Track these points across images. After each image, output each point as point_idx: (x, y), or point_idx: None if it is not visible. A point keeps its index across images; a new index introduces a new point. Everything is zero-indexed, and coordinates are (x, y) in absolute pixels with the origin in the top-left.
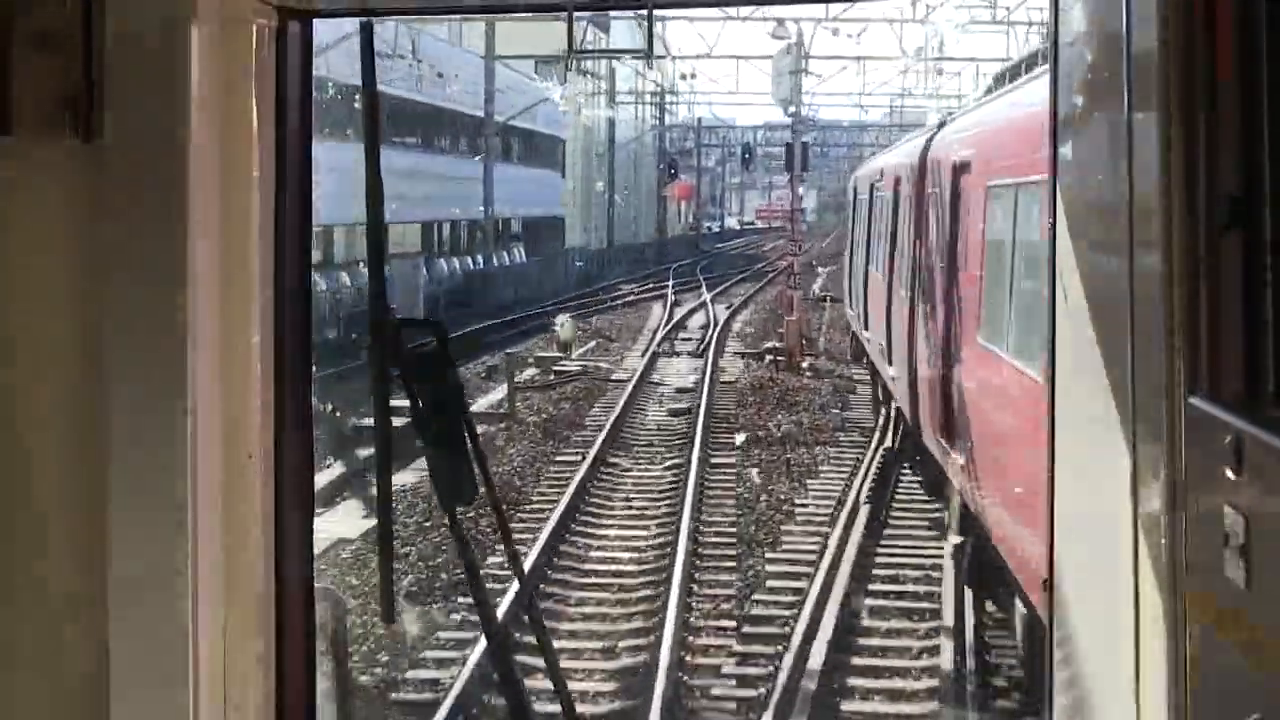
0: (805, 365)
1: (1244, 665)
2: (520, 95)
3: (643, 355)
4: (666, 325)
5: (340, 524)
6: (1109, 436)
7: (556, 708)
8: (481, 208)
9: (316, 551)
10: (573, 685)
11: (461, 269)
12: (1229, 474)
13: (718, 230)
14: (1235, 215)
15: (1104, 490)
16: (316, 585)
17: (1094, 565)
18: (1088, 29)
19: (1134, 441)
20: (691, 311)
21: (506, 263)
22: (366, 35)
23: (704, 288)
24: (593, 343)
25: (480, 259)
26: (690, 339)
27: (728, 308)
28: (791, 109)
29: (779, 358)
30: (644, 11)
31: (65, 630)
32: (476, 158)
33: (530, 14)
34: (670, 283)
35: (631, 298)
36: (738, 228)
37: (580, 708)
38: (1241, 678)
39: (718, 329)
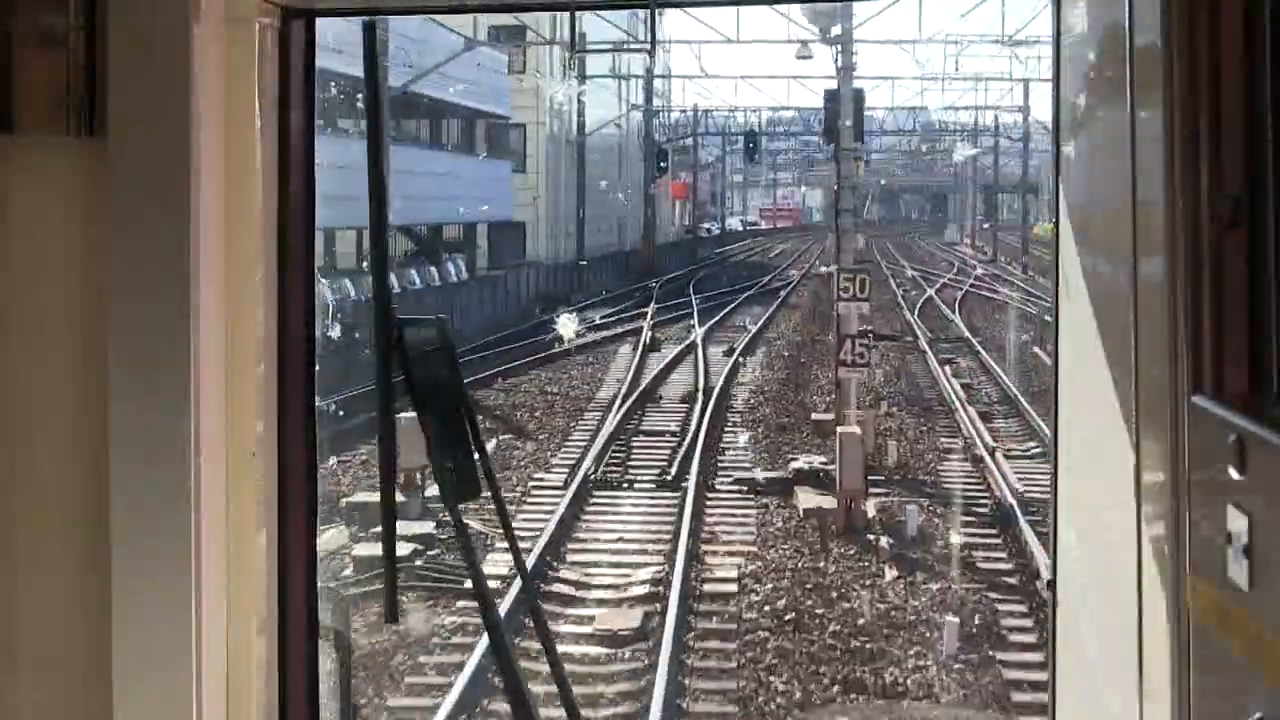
0: (873, 519)
1: (1247, 663)
2: (443, 55)
3: (564, 486)
4: (622, 404)
5: None
6: (1113, 435)
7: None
8: (401, 208)
9: None
10: None
11: (356, 294)
12: (1232, 473)
13: (718, 233)
14: (1238, 213)
15: (1108, 488)
16: (319, 584)
17: (1098, 563)
18: (1090, 27)
19: (1137, 440)
20: (672, 364)
21: (432, 284)
22: (369, 35)
23: (695, 317)
24: (490, 442)
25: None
26: (662, 433)
27: (727, 352)
28: (835, 30)
29: (823, 508)
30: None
31: (67, 629)
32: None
33: (533, 10)
34: (651, 308)
35: (588, 337)
36: (740, 229)
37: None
38: (1244, 675)
39: (710, 404)
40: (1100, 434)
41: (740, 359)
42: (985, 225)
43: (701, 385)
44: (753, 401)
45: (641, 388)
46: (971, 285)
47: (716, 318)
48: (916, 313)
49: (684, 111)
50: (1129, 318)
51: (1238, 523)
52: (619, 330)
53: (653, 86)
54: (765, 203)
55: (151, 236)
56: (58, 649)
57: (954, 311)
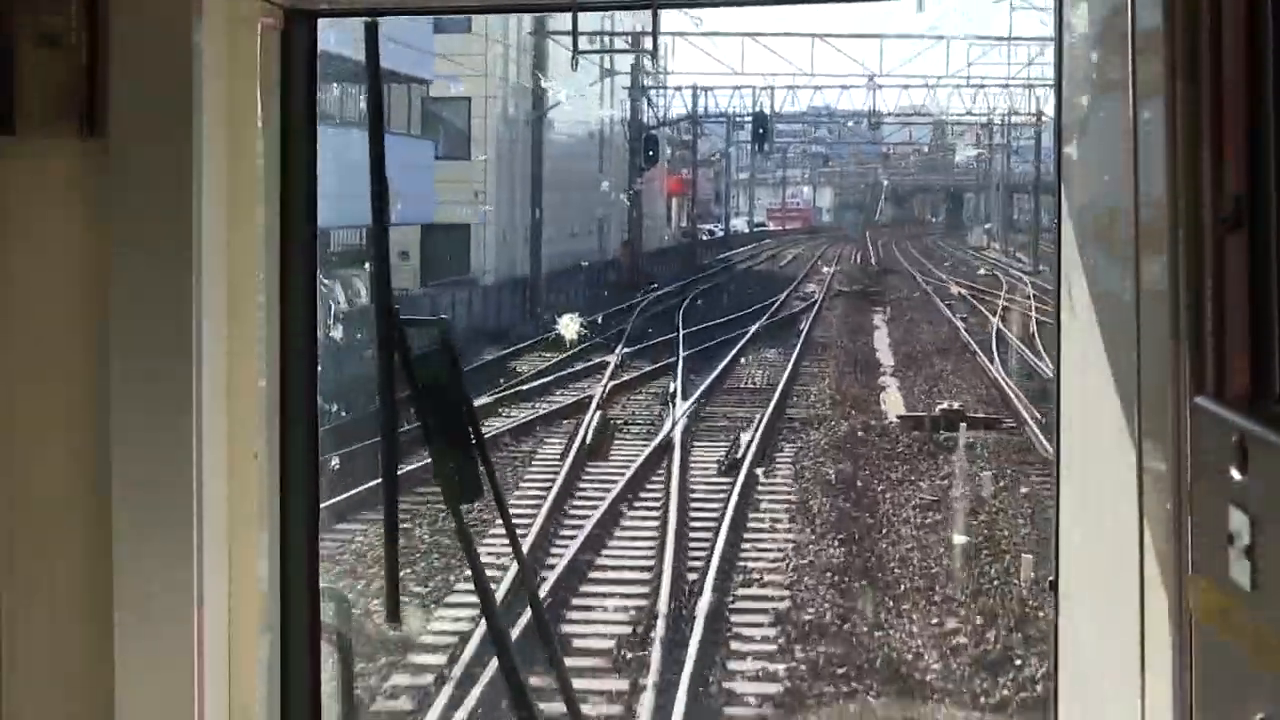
0: None
1: (1249, 664)
2: None
3: None
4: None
5: None
6: (1115, 436)
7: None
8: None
9: None
10: None
11: None
12: (1234, 474)
13: (721, 235)
14: (1240, 214)
15: (1110, 489)
16: (321, 584)
17: (1100, 564)
18: (1092, 28)
19: (1140, 441)
20: (618, 505)
21: None
22: (371, 35)
23: (679, 374)
24: None
25: None
26: None
27: (727, 464)
28: None
29: None
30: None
31: (70, 629)
32: None
33: (533, 11)
34: (616, 354)
35: (495, 419)
36: (746, 231)
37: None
38: (1247, 677)
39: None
40: (1103, 434)
41: (750, 487)
42: (1013, 228)
43: (666, 598)
44: (788, 686)
45: (523, 618)
46: (1039, 312)
47: (713, 373)
48: (995, 357)
49: (679, 89)
50: (1131, 318)
51: (1240, 523)
52: (553, 400)
53: (641, 54)
54: (773, 202)
55: (153, 237)
56: (60, 650)
57: (1040, 357)
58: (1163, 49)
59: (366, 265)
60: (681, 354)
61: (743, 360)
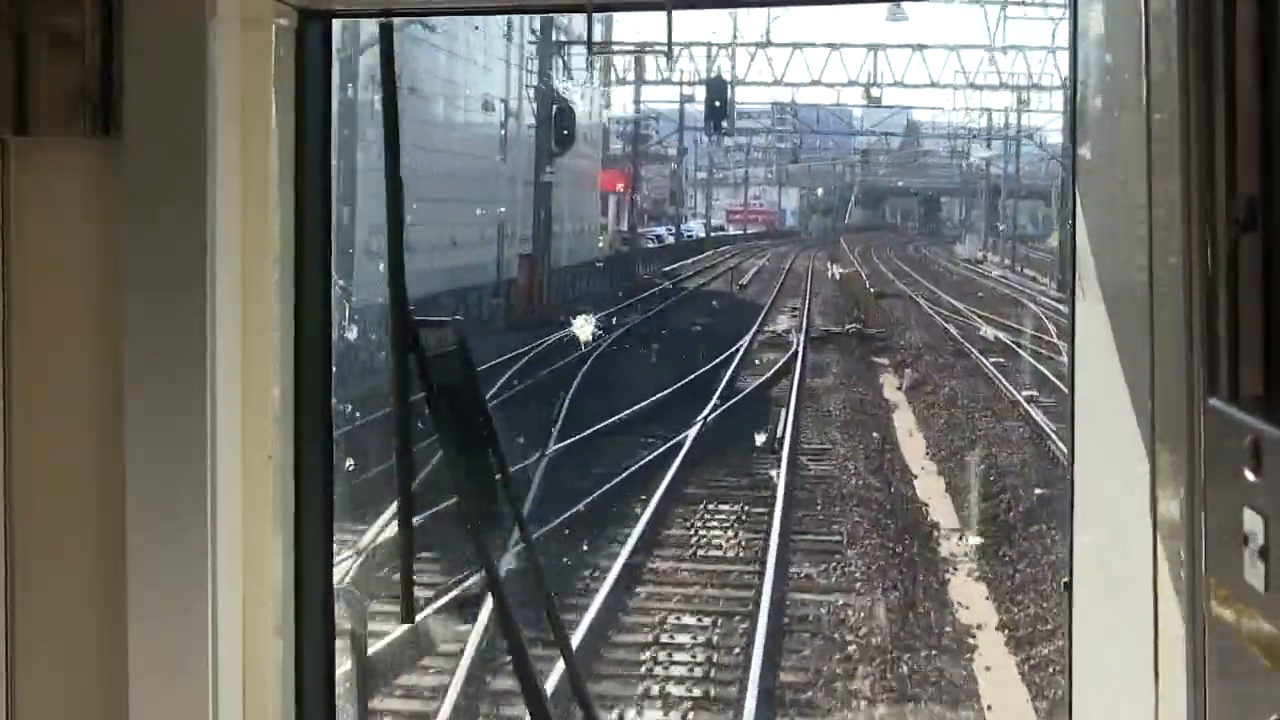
0: None
1: (1263, 666)
2: None
3: None
4: None
5: None
6: (1129, 438)
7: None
8: None
9: None
10: None
11: None
12: (1248, 475)
13: (672, 240)
14: (1253, 216)
15: (1125, 490)
16: (336, 586)
17: (1115, 566)
18: (1106, 30)
19: (1153, 443)
20: None
21: None
22: (386, 36)
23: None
24: None
25: None
26: None
27: None
28: None
29: None
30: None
31: (84, 630)
32: None
33: (547, 13)
34: (355, 558)
35: None
36: (703, 234)
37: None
38: (1261, 678)
39: None
40: (1116, 436)
41: None
42: (1003, 236)
43: None
44: None
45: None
46: None
47: (582, 629)
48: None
49: (607, 47)
50: (1145, 321)
51: (1254, 525)
52: None
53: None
54: (733, 203)
55: (167, 237)
56: (75, 650)
57: None
58: (1176, 49)
59: None
60: (527, 533)
61: (658, 565)
